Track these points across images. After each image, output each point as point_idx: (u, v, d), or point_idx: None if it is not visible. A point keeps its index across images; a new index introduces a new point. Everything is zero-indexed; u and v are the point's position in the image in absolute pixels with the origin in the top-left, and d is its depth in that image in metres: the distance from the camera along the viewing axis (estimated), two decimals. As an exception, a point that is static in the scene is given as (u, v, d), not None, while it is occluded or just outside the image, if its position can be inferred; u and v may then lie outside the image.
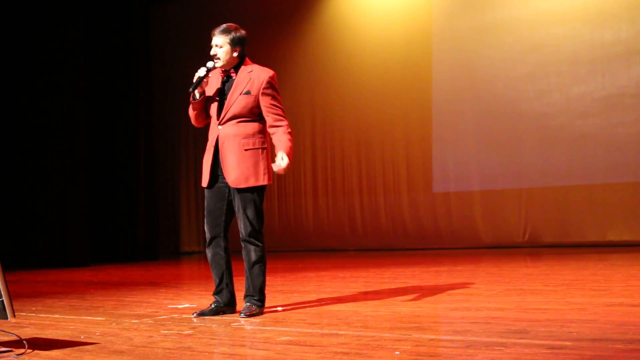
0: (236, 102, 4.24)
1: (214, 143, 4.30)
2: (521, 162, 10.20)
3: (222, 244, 4.33)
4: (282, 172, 4.20)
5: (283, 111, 4.30)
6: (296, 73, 12.00)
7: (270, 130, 4.28)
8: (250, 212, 4.23)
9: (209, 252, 4.36)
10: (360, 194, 11.48)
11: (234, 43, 4.25)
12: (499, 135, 10.36)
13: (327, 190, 11.79)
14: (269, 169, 4.28)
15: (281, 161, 4.14)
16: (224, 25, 4.30)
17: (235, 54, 4.27)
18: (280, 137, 4.23)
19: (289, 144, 4.20)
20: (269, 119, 4.26)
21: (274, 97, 4.27)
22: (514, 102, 10.26)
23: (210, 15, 12.27)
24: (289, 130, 4.27)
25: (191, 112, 4.38)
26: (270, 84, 4.27)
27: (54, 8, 10.64)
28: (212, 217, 4.32)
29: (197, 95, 4.30)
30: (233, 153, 4.23)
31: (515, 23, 10.30)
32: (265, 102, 4.25)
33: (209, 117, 4.38)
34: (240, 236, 4.28)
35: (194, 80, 4.24)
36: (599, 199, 9.67)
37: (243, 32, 4.31)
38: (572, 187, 9.86)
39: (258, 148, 4.25)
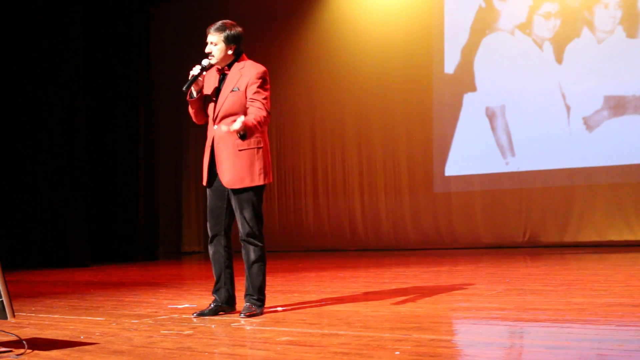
0: (227, 100, 4.21)
1: (210, 143, 4.29)
2: (521, 162, 10.20)
3: (223, 242, 4.33)
4: (226, 129, 4.04)
5: (266, 102, 4.18)
6: (296, 73, 12.00)
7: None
8: (248, 213, 4.21)
9: (210, 250, 4.37)
10: (360, 194, 11.47)
11: (228, 41, 4.23)
12: (499, 135, 10.36)
13: (328, 190, 11.79)
14: (265, 169, 4.26)
15: (233, 123, 4.00)
16: (219, 23, 4.28)
17: (230, 52, 4.25)
18: (249, 113, 4.12)
19: (251, 120, 4.03)
20: (250, 107, 4.16)
21: (259, 91, 4.18)
22: (514, 102, 10.26)
23: (210, 15, 12.18)
24: (264, 115, 4.11)
25: (190, 111, 4.38)
26: (259, 78, 4.19)
27: (53, 8, 10.63)
28: (213, 216, 4.33)
29: (194, 94, 4.28)
30: (227, 153, 4.21)
31: (515, 23, 10.30)
32: (249, 93, 4.18)
33: (207, 115, 4.37)
34: (239, 236, 4.28)
35: (189, 79, 4.22)
36: (599, 199, 9.67)
37: (239, 29, 4.28)
38: (572, 187, 9.85)
39: (253, 148, 4.21)
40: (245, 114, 4.18)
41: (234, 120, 4.03)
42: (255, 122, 4.08)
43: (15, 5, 10.71)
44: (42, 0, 10.66)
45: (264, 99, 4.20)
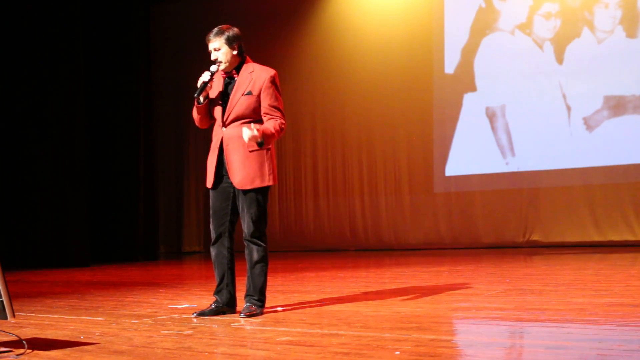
0: (238, 103, 4.24)
1: (218, 144, 4.30)
2: (522, 162, 10.20)
3: (226, 243, 4.33)
4: (246, 138, 4.11)
5: (282, 111, 4.30)
6: (297, 73, 11.99)
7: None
8: (254, 213, 4.23)
9: (213, 251, 4.36)
10: (361, 194, 11.47)
11: (230, 41, 4.26)
12: (499, 135, 10.36)
13: (328, 190, 11.79)
14: (274, 170, 4.29)
15: (251, 130, 4.08)
16: (215, 29, 4.31)
17: (234, 52, 4.28)
18: (268, 122, 4.22)
19: (270, 129, 4.16)
20: (266, 118, 4.26)
21: (274, 98, 4.26)
22: (514, 102, 10.26)
23: (210, 15, 12.27)
24: (283, 124, 4.24)
25: (195, 116, 4.39)
26: (271, 83, 4.26)
27: (53, 8, 10.63)
28: (217, 217, 4.33)
29: (202, 100, 4.30)
30: (238, 154, 4.23)
31: (515, 23, 10.30)
32: (264, 103, 4.25)
33: (213, 119, 4.38)
34: (243, 236, 4.28)
35: (198, 85, 4.24)
36: (599, 199, 9.67)
37: (236, 29, 4.32)
38: (572, 187, 9.86)
39: (263, 149, 4.25)
40: (256, 117, 4.24)
41: (250, 128, 4.10)
42: (273, 131, 4.18)
43: (16, 6, 10.70)
44: (42, 0, 10.65)
45: (280, 107, 4.27)
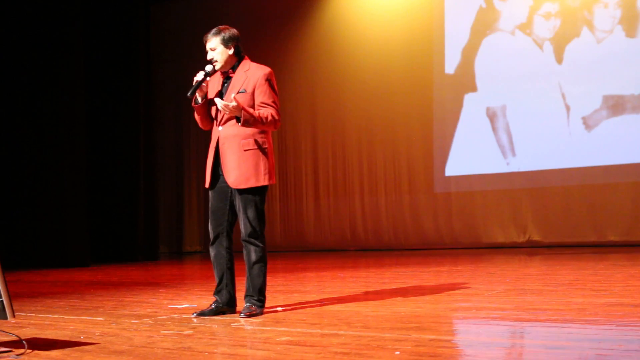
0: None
1: (215, 144, 4.30)
2: (522, 162, 10.20)
3: (225, 243, 4.33)
4: (219, 104, 4.09)
5: (276, 107, 4.25)
6: (297, 73, 12.00)
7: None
8: (251, 213, 4.23)
9: (212, 251, 4.37)
10: (361, 194, 11.47)
11: (226, 42, 4.26)
12: (500, 135, 10.36)
13: (328, 190, 11.79)
14: (270, 170, 4.28)
15: (228, 101, 4.09)
16: (214, 29, 4.31)
17: (230, 52, 4.28)
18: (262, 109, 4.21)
19: (255, 111, 4.14)
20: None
21: (268, 95, 4.23)
22: (514, 102, 10.26)
23: (210, 15, 12.27)
24: (274, 115, 4.20)
25: (196, 117, 4.40)
26: (265, 81, 4.24)
27: (53, 8, 10.63)
28: (215, 217, 4.33)
29: (199, 99, 4.30)
30: (233, 154, 4.23)
31: (515, 23, 10.30)
32: (258, 100, 4.23)
33: (213, 120, 4.38)
34: (241, 236, 4.29)
35: (193, 85, 4.24)
36: (599, 199, 9.67)
37: (234, 30, 4.33)
38: (572, 187, 9.85)
39: (258, 148, 4.25)
40: None
41: (231, 100, 4.09)
42: (257, 114, 4.14)
43: (15, 6, 10.70)
44: (43, 0, 10.65)
45: (275, 103, 4.25)
